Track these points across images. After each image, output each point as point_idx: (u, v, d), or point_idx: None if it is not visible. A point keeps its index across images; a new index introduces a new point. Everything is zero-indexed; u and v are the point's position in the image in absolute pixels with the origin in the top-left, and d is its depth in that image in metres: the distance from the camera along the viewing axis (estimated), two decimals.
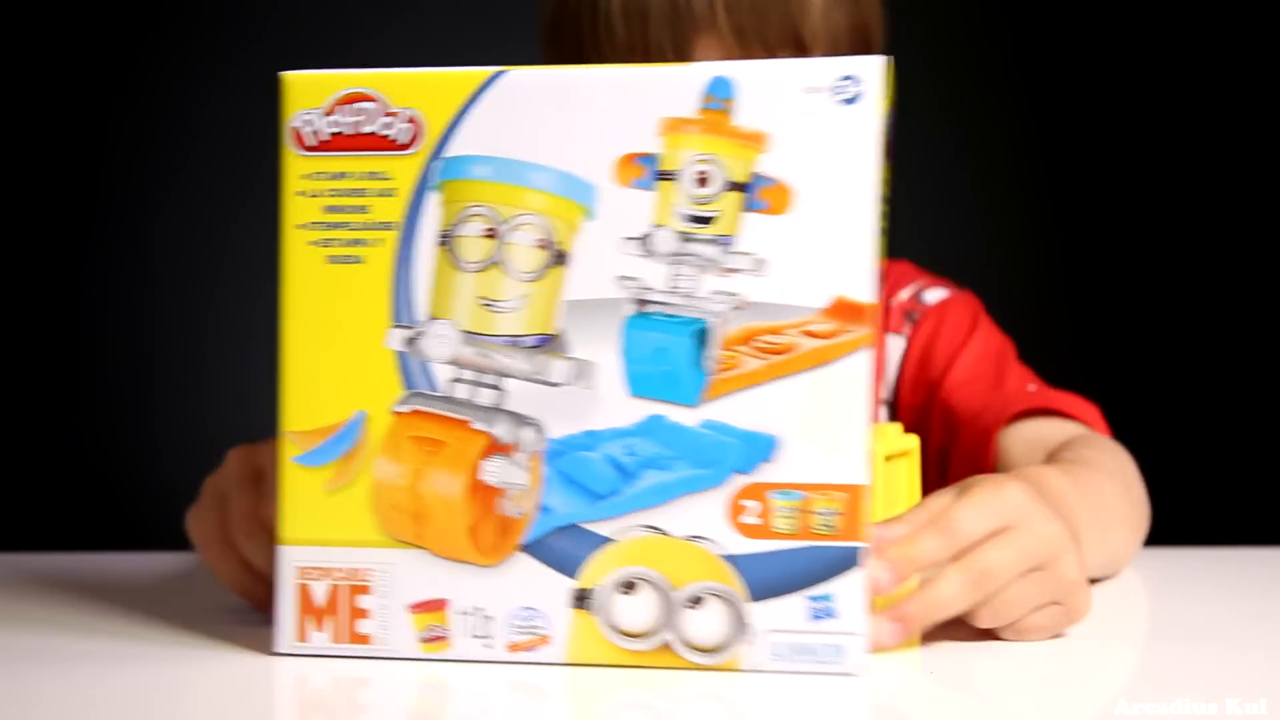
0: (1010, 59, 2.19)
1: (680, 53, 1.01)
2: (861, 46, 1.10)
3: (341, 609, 0.67)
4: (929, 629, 0.68)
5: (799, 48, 1.03)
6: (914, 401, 1.13)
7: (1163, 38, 2.16)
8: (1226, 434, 2.16)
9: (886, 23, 1.12)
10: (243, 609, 0.78)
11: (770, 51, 1.02)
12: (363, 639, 0.67)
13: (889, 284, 1.18)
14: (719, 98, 0.63)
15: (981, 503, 0.68)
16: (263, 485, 0.75)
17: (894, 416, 1.14)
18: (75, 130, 2.11)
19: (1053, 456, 0.96)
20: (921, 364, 1.13)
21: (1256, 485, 2.12)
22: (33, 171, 2.11)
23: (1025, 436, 1.02)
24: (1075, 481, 0.83)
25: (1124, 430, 2.18)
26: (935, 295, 1.17)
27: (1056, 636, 0.70)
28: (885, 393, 1.14)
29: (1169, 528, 1.92)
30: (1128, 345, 2.19)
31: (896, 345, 1.15)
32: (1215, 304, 2.16)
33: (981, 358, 1.13)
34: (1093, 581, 0.87)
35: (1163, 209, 2.16)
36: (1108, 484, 0.89)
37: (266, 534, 0.73)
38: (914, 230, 2.09)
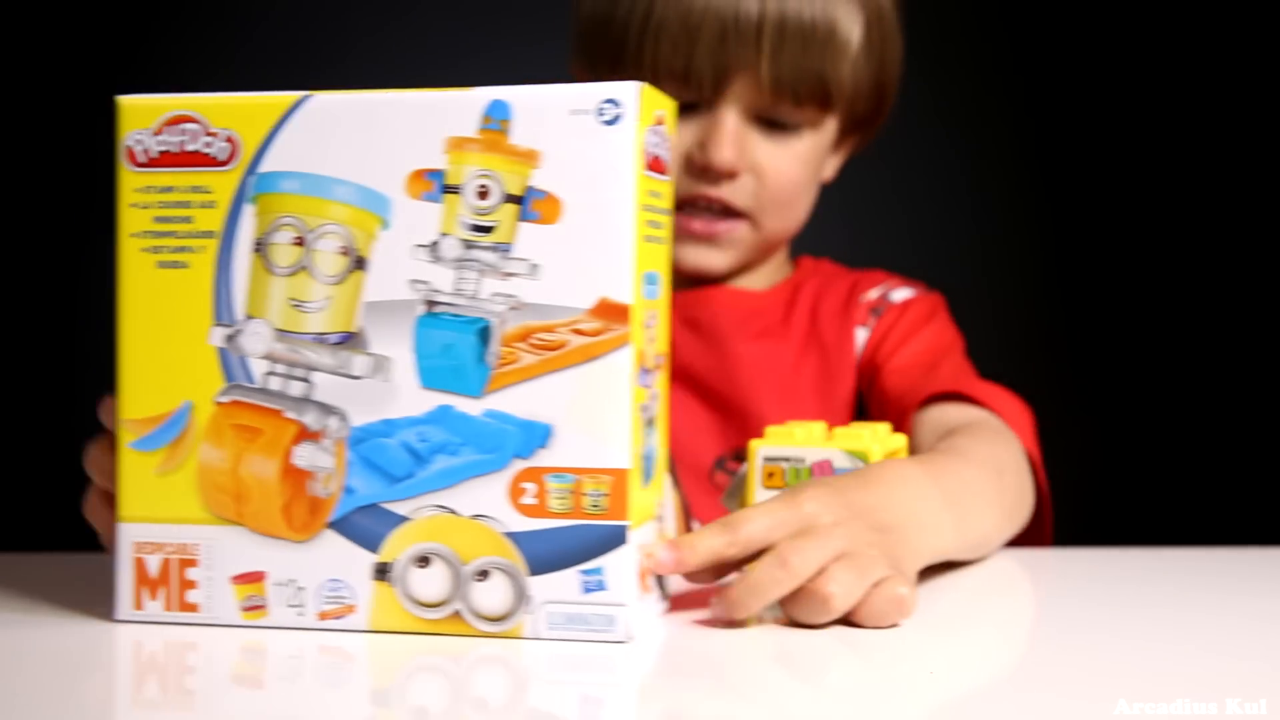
0: (1007, 62, 2.21)
1: (717, 87, 1.10)
2: (877, 99, 1.17)
3: (172, 580, 0.74)
4: (755, 611, 0.74)
5: (824, 102, 1.12)
6: (861, 386, 1.19)
7: (1160, 41, 2.17)
8: (1225, 434, 2.14)
9: (902, 73, 1.20)
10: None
11: (798, 103, 1.11)
12: (191, 607, 0.74)
13: (862, 286, 1.24)
14: (496, 119, 0.70)
15: (768, 509, 0.75)
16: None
17: (859, 407, 1.19)
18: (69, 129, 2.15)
19: (938, 442, 1.01)
20: (873, 352, 1.20)
21: (1256, 485, 2.11)
22: (34, 169, 2.16)
23: (930, 420, 1.08)
24: (931, 469, 0.88)
25: (1122, 431, 2.20)
26: (901, 294, 1.23)
27: (894, 625, 0.75)
28: (853, 383, 1.20)
29: (1168, 528, 1.96)
30: (1124, 345, 2.19)
31: (860, 338, 1.21)
32: (1213, 304, 2.16)
33: (924, 350, 1.19)
34: (960, 564, 0.92)
35: (1160, 210, 2.17)
36: (974, 471, 0.94)
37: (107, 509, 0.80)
38: (909, 230, 2.15)
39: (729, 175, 1.12)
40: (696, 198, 1.13)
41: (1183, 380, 2.17)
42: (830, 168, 1.22)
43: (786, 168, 1.14)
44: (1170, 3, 2.17)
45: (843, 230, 2.17)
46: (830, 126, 1.15)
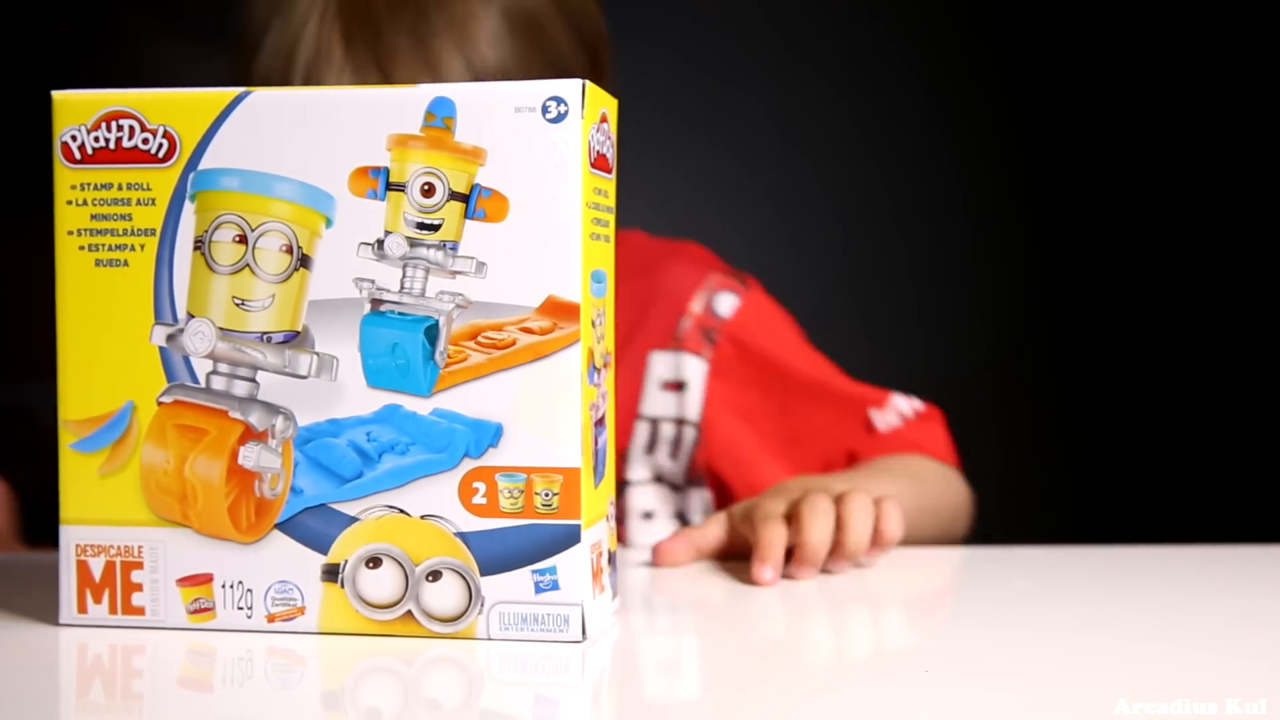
0: (1005, 68, 2.20)
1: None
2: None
3: (117, 583, 0.73)
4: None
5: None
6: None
7: (1156, 44, 2.17)
8: (1223, 433, 2.14)
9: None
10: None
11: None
12: (137, 610, 0.73)
13: (673, 289, 1.18)
14: (440, 116, 0.69)
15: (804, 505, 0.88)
16: None
17: (698, 438, 1.17)
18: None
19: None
20: (720, 399, 1.17)
21: (1255, 485, 2.11)
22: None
23: None
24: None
25: (1120, 430, 2.20)
26: (727, 304, 1.18)
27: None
28: (694, 414, 1.17)
29: (1169, 527, 1.96)
30: (1122, 344, 2.19)
31: (698, 369, 1.17)
32: (1209, 304, 2.16)
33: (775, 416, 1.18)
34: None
35: (1154, 212, 2.17)
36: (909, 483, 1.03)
37: None
38: (902, 233, 2.15)
39: None
40: None
41: (1180, 379, 2.17)
42: None
43: None
44: (1168, 8, 2.16)
45: (839, 234, 2.17)
46: None
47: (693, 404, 1.17)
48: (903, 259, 2.19)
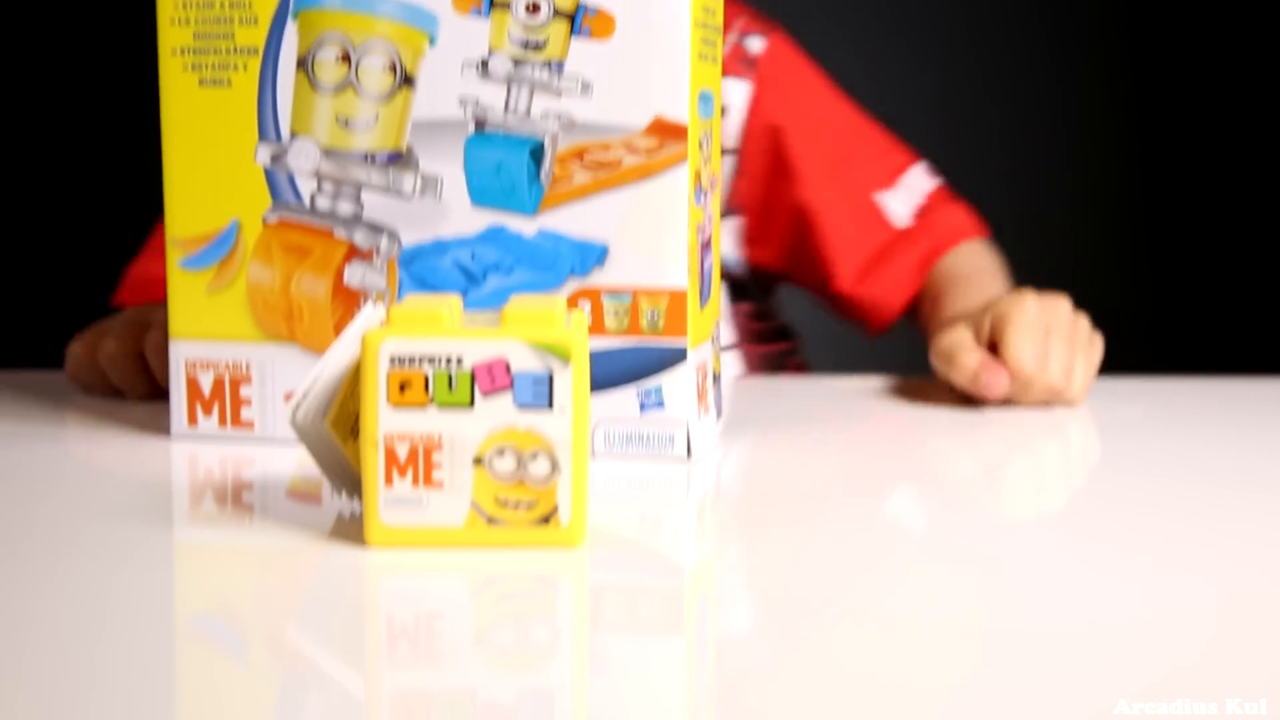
0: (1002, 64, 2.18)
1: None
2: None
3: (226, 398, 0.74)
4: None
5: None
6: (748, 145, 1.17)
7: (1155, 45, 2.13)
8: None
9: None
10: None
11: None
12: (246, 425, 0.74)
13: None
14: None
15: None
16: (143, 332, 0.84)
17: (737, 165, 1.16)
18: None
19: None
20: (767, 139, 1.16)
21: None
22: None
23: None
24: None
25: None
26: (757, 45, 1.18)
27: None
28: (730, 141, 1.16)
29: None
30: (1123, 345, 2.21)
31: (740, 90, 1.16)
32: (1212, 307, 2.15)
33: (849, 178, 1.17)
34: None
35: (1158, 213, 2.15)
36: None
37: (132, 364, 0.84)
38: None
39: None
40: None
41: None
42: None
43: None
44: (1167, 8, 2.12)
45: None
46: None
47: (730, 131, 1.16)
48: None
